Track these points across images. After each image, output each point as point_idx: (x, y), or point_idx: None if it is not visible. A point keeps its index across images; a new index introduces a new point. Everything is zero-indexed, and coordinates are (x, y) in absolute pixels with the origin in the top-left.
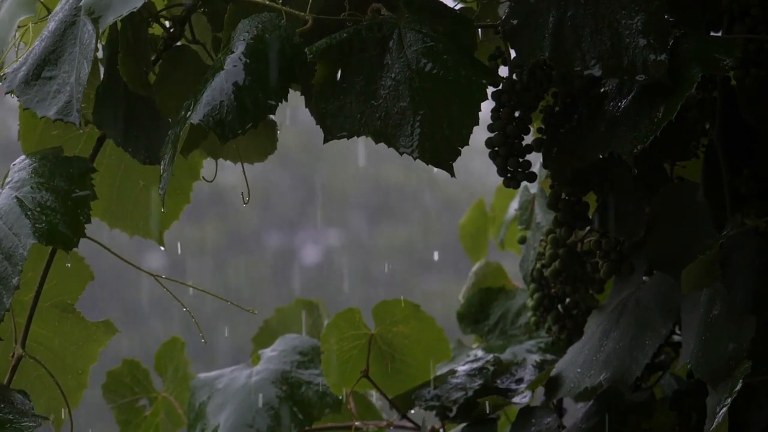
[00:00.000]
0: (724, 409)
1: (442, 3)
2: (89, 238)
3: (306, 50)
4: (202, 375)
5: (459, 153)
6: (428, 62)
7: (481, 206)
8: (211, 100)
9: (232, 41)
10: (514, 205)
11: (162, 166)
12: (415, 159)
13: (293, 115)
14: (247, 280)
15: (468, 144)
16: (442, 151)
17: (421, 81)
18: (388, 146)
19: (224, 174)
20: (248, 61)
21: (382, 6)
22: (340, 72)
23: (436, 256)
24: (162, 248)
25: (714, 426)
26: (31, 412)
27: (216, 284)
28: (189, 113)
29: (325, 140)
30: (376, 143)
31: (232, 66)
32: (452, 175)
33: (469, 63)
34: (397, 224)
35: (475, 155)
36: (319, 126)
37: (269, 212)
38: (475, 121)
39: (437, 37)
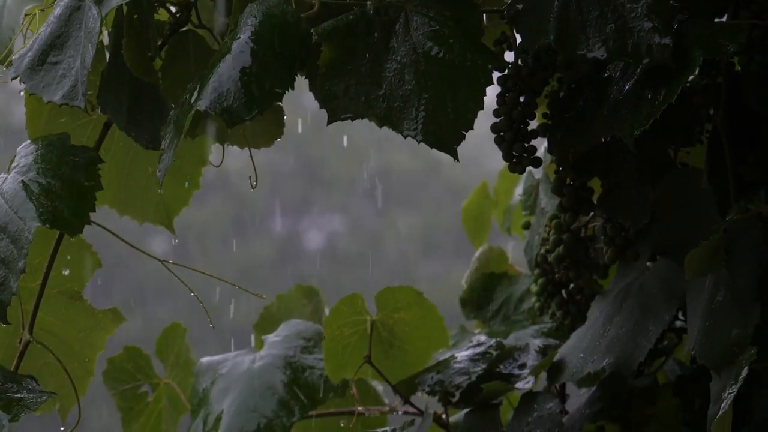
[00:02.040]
0: (730, 397)
1: None
2: (95, 223)
3: (311, 31)
4: (206, 359)
5: (463, 137)
6: (434, 46)
7: (484, 190)
8: (218, 86)
9: (238, 26)
10: (518, 190)
11: (162, 147)
12: (419, 143)
13: (299, 99)
14: (251, 265)
15: (472, 128)
16: (446, 135)
17: (426, 64)
18: (392, 129)
19: (229, 158)
20: (255, 46)
21: None
22: (345, 54)
23: (439, 241)
24: (174, 235)
25: (720, 413)
26: (39, 390)
27: (219, 268)
28: (194, 96)
29: (329, 122)
30: (380, 126)
31: (239, 51)
32: (456, 159)
33: (475, 47)
34: (401, 210)
35: (481, 141)
36: (323, 108)
37: (274, 197)
38: (480, 106)
39: (444, 21)
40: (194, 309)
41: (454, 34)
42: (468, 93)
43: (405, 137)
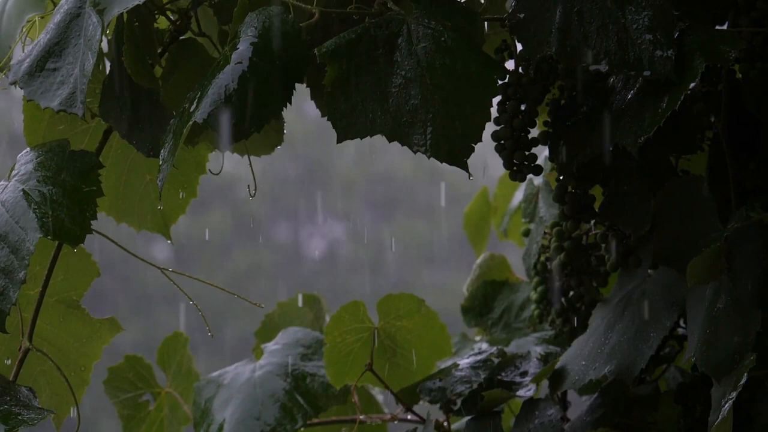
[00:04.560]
0: (729, 403)
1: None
2: (96, 231)
3: (315, 51)
4: (207, 375)
5: (473, 150)
6: (438, 58)
7: (484, 195)
8: (216, 98)
9: (238, 36)
10: (518, 196)
11: (162, 156)
12: (429, 158)
13: (301, 106)
14: (253, 272)
15: (481, 140)
16: (455, 149)
17: (431, 78)
18: (402, 145)
19: (231, 165)
20: (254, 58)
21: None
22: (350, 72)
23: (441, 248)
24: (170, 243)
25: (719, 420)
26: (35, 405)
27: (221, 275)
28: (193, 107)
29: (338, 141)
30: (389, 142)
31: (237, 63)
32: (467, 171)
33: (479, 58)
34: (402, 217)
35: (483, 148)
36: (332, 127)
37: (276, 204)
38: (488, 117)
39: (446, 32)
40: (197, 317)
41: (457, 45)
42: (475, 105)
43: (414, 152)
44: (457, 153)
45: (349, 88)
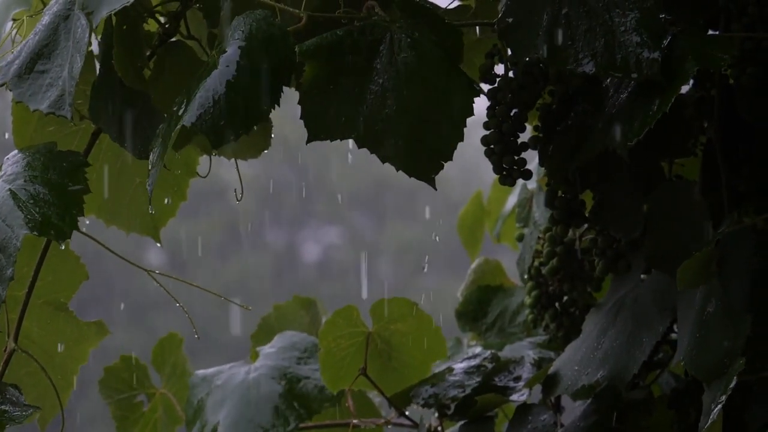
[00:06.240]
0: (719, 407)
1: (435, 11)
2: (87, 235)
3: (295, 48)
4: (200, 372)
5: (442, 167)
6: (418, 71)
7: (478, 199)
8: (204, 102)
9: (226, 39)
10: (511, 200)
11: (150, 161)
12: (397, 170)
13: (295, 110)
14: (248, 277)
15: (452, 159)
16: (424, 164)
17: (409, 89)
18: (371, 152)
19: (226, 170)
20: (241, 61)
21: (376, 4)
22: (328, 73)
23: (437, 253)
24: (159, 245)
25: (708, 424)
26: (22, 403)
27: (217, 280)
28: (181, 111)
29: (308, 141)
30: (359, 148)
31: (225, 66)
32: (434, 188)
33: (459, 77)
34: (397, 222)
35: (478, 153)
36: (303, 126)
37: (271, 209)
38: (461, 137)
39: (429, 46)
40: (195, 320)
41: (438, 60)
42: (449, 123)
43: (383, 162)
44: (426, 169)
45: (326, 90)
